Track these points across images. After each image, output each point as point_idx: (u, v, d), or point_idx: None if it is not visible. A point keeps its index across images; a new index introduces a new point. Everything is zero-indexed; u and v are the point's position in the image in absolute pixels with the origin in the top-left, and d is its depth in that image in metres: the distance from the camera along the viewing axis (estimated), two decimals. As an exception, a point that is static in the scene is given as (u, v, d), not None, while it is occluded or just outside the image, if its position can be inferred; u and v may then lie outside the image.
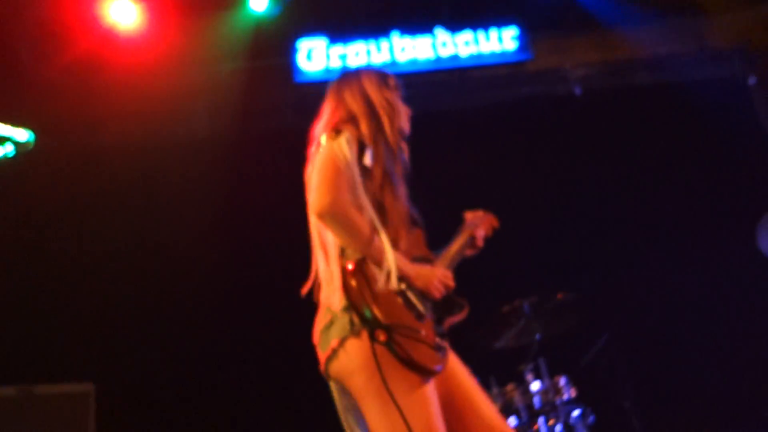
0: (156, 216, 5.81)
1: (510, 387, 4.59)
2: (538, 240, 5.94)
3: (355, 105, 2.56)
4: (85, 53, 6.00)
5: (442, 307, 2.50)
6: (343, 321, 2.28)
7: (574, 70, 6.67)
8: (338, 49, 6.45)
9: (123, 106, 6.22)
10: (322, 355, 2.36)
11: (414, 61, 6.45)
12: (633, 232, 6.14)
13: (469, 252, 2.80)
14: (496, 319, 4.53)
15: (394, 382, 2.19)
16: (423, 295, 2.42)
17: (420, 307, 2.38)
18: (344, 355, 2.27)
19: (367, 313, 2.22)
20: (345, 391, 2.37)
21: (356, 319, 2.24)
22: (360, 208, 2.36)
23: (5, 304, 5.49)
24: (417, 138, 2.72)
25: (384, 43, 6.48)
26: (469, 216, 2.90)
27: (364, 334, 2.22)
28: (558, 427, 4.42)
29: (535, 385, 4.52)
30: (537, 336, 4.53)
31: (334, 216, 2.29)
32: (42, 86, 6.08)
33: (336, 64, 6.40)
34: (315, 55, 6.42)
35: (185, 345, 5.51)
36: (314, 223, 2.51)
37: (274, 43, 6.41)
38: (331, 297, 2.37)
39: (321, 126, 2.60)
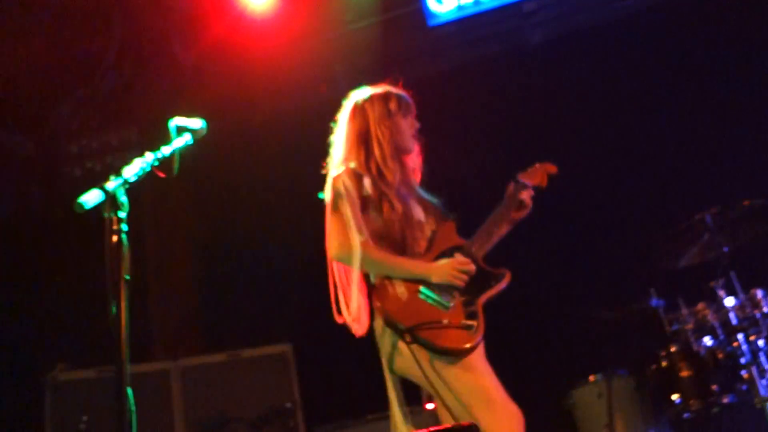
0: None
1: (701, 306, 4.37)
2: (714, 149, 5.54)
3: (352, 141, 2.95)
4: (223, 36, 6.26)
5: (476, 286, 2.76)
6: (387, 331, 2.71)
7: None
8: (467, -16, 6.28)
9: (268, 83, 6.44)
10: (383, 356, 2.77)
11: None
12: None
13: (517, 215, 3.03)
14: (675, 236, 4.29)
15: (442, 367, 2.60)
16: (446, 287, 2.71)
17: (441, 299, 2.70)
18: (399, 357, 2.70)
19: (393, 324, 2.65)
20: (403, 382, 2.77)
21: (390, 330, 2.67)
22: (368, 234, 2.76)
23: (209, 282, 6.03)
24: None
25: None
26: (520, 176, 3.11)
27: (401, 340, 2.63)
28: (761, 342, 4.16)
29: (729, 301, 4.26)
30: (725, 249, 4.24)
31: (343, 258, 2.77)
32: (190, 71, 6.43)
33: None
34: (444, -4, 6.30)
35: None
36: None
37: (402, -8, 6.36)
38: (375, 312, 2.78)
39: (333, 154, 3.01)
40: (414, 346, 2.60)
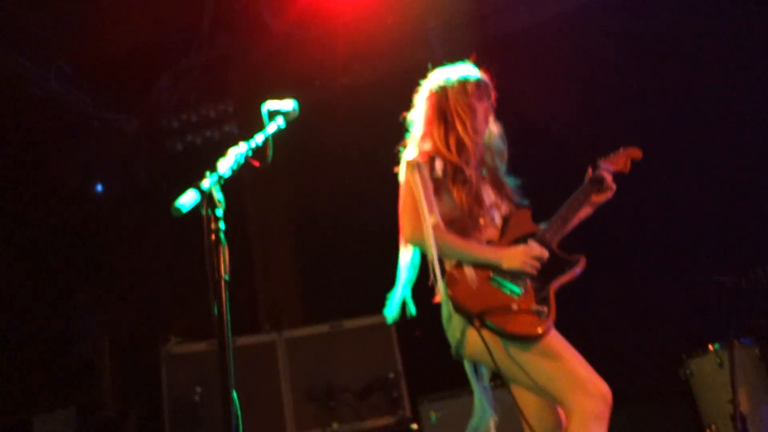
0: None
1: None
2: None
3: (431, 119, 2.93)
4: (313, 3, 6.15)
5: (549, 272, 2.72)
6: (456, 317, 2.67)
7: None
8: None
9: (360, 45, 6.32)
10: (452, 341, 2.74)
11: None
12: None
13: (598, 198, 2.96)
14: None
15: (518, 354, 2.57)
16: (517, 273, 2.68)
17: (512, 286, 2.67)
18: (468, 343, 2.66)
19: (462, 309, 2.63)
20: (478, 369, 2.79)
21: (459, 315, 2.65)
22: (439, 219, 2.75)
23: (310, 255, 6.07)
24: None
25: None
26: (602, 162, 3.03)
27: (471, 326, 2.61)
28: None
29: None
30: None
31: (415, 242, 2.77)
32: (284, 42, 6.39)
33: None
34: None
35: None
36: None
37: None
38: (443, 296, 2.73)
39: (412, 132, 2.99)
40: (485, 333, 2.58)
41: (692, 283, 4.68)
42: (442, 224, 2.75)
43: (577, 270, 2.77)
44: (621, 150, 3.11)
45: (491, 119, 3.02)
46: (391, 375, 5.03)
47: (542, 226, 2.86)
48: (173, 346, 4.91)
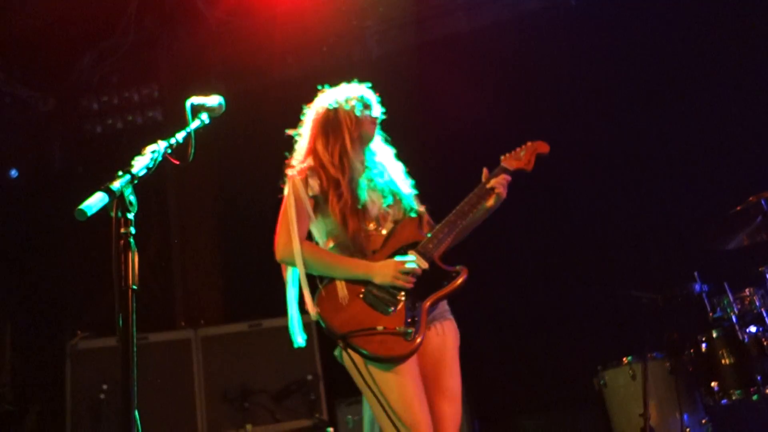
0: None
1: (747, 291, 4.14)
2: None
3: (316, 134, 2.86)
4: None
5: (427, 286, 2.61)
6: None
7: None
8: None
9: (295, 38, 6.18)
10: (336, 352, 2.71)
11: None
12: None
13: (489, 204, 2.81)
14: (727, 219, 4.04)
15: (375, 373, 2.52)
16: (389, 288, 2.60)
17: (381, 303, 2.59)
18: (343, 358, 2.62)
19: (328, 329, 2.59)
20: None
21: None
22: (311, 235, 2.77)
23: (232, 252, 5.89)
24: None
25: None
26: (503, 159, 2.93)
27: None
28: (810, 332, 3.93)
29: (779, 287, 4.03)
30: (780, 232, 3.98)
31: (285, 260, 2.72)
32: (217, 30, 6.19)
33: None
34: (483, -52, 5.94)
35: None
36: None
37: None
38: None
39: (297, 148, 2.93)
40: (351, 351, 2.53)
41: (612, 297, 4.78)
42: (312, 242, 2.74)
43: (457, 284, 2.62)
44: (528, 144, 3.00)
45: (377, 135, 2.94)
46: (310, 377, 4.94)
47: (428, 235, 2.73)
48: (80, 341, 4.67)
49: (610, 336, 4.96)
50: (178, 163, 2.17)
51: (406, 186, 2.92)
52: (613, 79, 5.61)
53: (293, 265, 2.69)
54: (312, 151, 2.85)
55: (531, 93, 5.72)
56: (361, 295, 2.61)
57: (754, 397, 4.06)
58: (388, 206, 2.82)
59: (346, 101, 2.86)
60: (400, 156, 3.02)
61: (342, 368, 2.67)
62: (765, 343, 4.04)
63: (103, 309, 5.02)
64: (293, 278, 2.76)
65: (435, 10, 6.28)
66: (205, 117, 2.38)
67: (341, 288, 2.63)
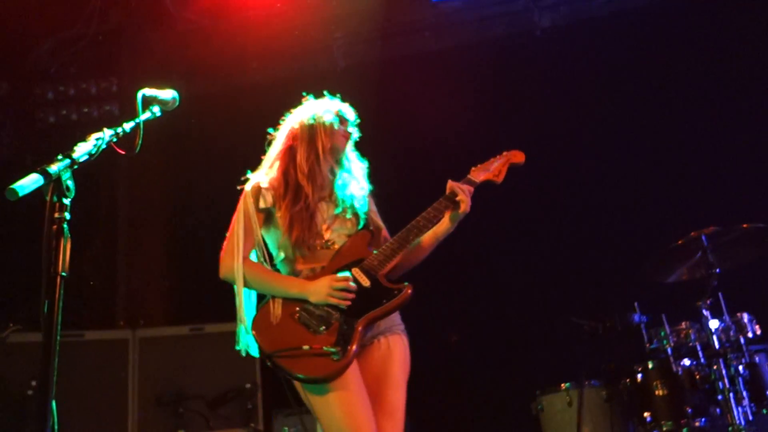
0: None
1: (684, 325, 4.24)
2: (716, 171, 5.37)
3: (286, 147, 2.84)
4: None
5: (367, 304, 2.55)
6: None
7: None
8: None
9: (262, 44, 6.17)
10: None
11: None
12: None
13: (452, 215, 2.71)
14: (668, 252, 4.14)
15: (310, 390, 2.53)
16: (324, 307, 2.57)
17: (312, 322, 2.55)
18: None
19: (258, 348, 2.59)
20: None
21: None
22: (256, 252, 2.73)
23: (178, 254, 5.77)
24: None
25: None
26: (473, 170, 2.86)
27: None
28: (741, 367, 4.03)
29: (714, 323, 4.11)
30: (717, 270, 4.08)
31: (227, 278, 2.71)
32: (184, 30, 6.14)
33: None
34: (452, -29, 6.04)
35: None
36: None
37: (409, -37, 6.08)
38: None
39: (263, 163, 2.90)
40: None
41: (554, 323, 4.84)
42: (255, 260, 2.71)
43: (395, 303, 2.56)
44: (503, 153, 2.92)
45: (349, 148, 2.90)
46: (248, 385, 4.86)
47: (374, 252, 2.67)
48: (11, 334, 4.51)
49: (550, 362, 5.01)
50: (123, 153, 2.13)
51: (367, 202, 2.87)
52: (564, 110, 5.73)
53: (232, 282, 2.68)
54: (282, 156, 2.83)
55: (495, 112, 5.80)
56: (297, 314, 2.57)
57: (684, 430, 4.14)
58: (345, 221, 2.77)
59: (325, 113, 2.84)
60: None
61: (282, 379, 2.63)
62: (697, 377, 4.12)
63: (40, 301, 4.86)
64: (246, 293, 2.72)
65: (402, 27, 6.36)
66: (156, 110, 2.33)
67: (276, 306, 2.60)
